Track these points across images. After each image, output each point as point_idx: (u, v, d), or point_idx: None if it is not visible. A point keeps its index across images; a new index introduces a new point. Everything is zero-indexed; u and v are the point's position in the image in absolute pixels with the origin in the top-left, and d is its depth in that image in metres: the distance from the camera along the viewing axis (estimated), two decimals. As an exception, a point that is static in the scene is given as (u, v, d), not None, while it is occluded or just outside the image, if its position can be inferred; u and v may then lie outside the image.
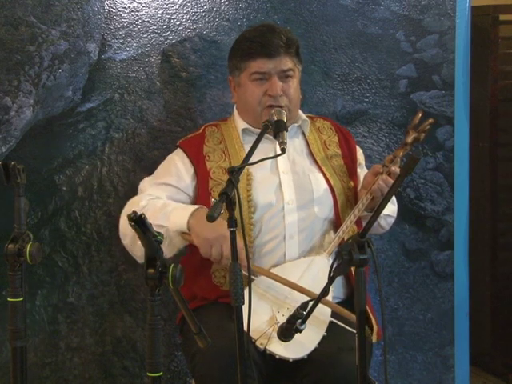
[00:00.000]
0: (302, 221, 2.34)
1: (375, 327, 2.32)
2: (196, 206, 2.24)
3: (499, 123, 3.73)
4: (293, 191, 2.35)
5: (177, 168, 2.40)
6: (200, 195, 2.35)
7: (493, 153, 3.73)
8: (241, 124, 2.43)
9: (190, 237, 2.19)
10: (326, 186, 2.38)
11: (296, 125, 2.44)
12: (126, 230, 2.30)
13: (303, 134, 2.47)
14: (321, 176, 2.40)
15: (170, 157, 2.47)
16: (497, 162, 3.75)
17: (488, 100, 3.68)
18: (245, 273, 1.92)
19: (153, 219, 2.17)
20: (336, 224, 2.37)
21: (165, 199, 2.33)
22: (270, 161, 2.37)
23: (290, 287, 2.20)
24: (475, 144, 3.35)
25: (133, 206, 2.30)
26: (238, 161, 2.31)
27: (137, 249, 2.26)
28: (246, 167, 2.32)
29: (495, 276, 3.78)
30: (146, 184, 2.42)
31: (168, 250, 2.21)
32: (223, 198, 1.81)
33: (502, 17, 3.65)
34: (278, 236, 2.32)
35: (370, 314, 2.32)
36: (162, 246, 2.13)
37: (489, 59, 3.64)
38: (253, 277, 2.06)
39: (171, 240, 2.22)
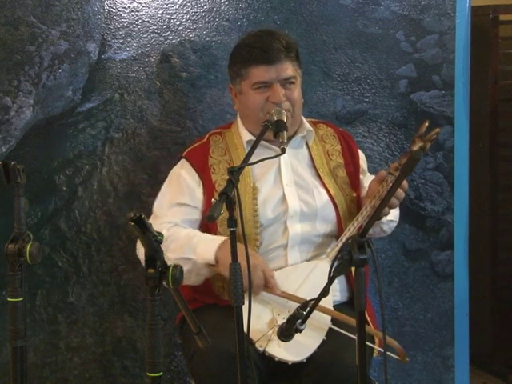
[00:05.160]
0: (305, 234, 2.33)
1: (377, 340, 2.32)
2: (222, 238, 2.23)
3: (499, 123, 3.72)
4: (297, 203, 2.34)
5: (187, 185, 2.36)
6: (206, 208, 2.32)
7: (493, 153, 3.73)
8: (245, 135, 2.40)
9: (218, 268, 2.19)
10: (329, 201, 2.37)
11: (301, 135, 2.42)
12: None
13: (307, 144, 2.45)
14: (323, 190, 2.39)
15: (176, 172, 2.41)
16: (497, 162, 3.74)
17: (488, 100, 3.68)
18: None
19: (178, 252, 2.22)
20: (338, 237, 2.36)
21: (183, 225, 2.32)
22: (273, 173, 2.37)
23: (293, 301, 2.20)
24: (475, 144, 3.35)
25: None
26: (243, 173, 2.27)
27: None
28: (252, 182, 2.34)
29: (495, 276, 3.78)
30: (159, 208, 2.38)
31: (196, 280, 2.26)
32: (223, 198, 1.81)
33: (502, 17, 3.65)
34: (280, 246, 2.33)
35: (372, 327, 2.32)
36: (189, 275, 2.22)
37: (489, 59, 3.64)
38: None
39: (199, 271, 2.23)
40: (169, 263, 2.17)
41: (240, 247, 1.91)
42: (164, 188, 2.42)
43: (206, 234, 2.30)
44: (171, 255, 2.22)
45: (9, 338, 1.74)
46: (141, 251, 2.29)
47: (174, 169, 2.43)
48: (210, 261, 2.19)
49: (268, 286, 2.19)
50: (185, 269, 2.18)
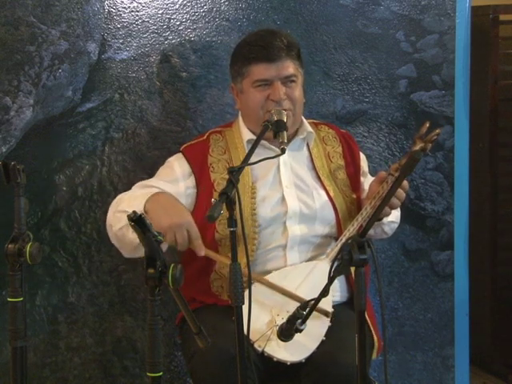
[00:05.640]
0: (304, 235, 2.33)
1: (376, 344, 2.32)
2: (157, 190, 2.23)
3: (499, 123, 3.72)
4: (296, 204, 2.34)
5: (174, 174, 2.37)
6: (202, 206, 2.31)
7: (493, 153, 3.73)
8: (246, 134, 2.40)
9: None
10: (328, 203, 2.37)
11: (301, 137, 2.42)
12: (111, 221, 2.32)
13: (307, 145, 2.44)
14: (323, 192, 2.38)
15: (170, 161, 2.43)
16: (497, 162, 3.75)
17: (488, 100, 3.68)
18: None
19: (118, 206, 2.26)
20: (338, 239, 2.35)
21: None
22: (272, 175, 2.36)
23: (287, 296, 2.19)
24: (475, 144, 3.35)
25: (116, 201, 2.33)
26: (243, 172, 2.28)
27: (128, 238, 2.21)
28: (251, 181, 2.34)
29: (495, 276, 3.78)
30: (135, 185, 2.40)
31: (133, 238, 2.15)
32: (223, 197, 1.81)
33: (502, 17, 3.65)
34: (279, 247, 2.33)
35: (372, 330, 2.32)
36: (126, 233, 2.18)
37: (489, 59, 3.64)
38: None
39: None
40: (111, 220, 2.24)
41: (163, 199, 2.03)
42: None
43: (148, 191, 2.28)
44: (119, 209, 2.24)
45: (9, 338, 1.74)
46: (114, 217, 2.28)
47: (170, 158, 2.45)
48: (139, 211, 2.16)
49: (192, 246, 2.13)
50: (121, 224, 2.19)
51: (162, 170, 2.43)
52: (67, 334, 2.69)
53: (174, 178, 2.36)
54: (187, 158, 2.39)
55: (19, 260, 1.71)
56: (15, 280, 1.73)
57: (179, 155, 2.42)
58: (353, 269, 1.73)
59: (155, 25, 2.69)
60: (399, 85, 2.98)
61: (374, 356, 2.33)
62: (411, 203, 3.03)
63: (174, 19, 2.71)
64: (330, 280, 1.83)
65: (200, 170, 2.36)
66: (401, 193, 2.24)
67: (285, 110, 2.24)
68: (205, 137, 2.44)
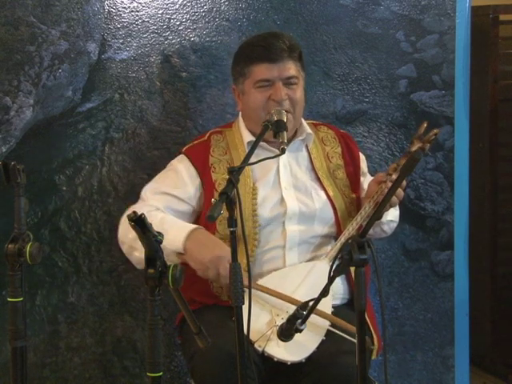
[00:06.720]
0: (303, 235, 2.34)
1: (376, 344, 2.32)
2: (193, 226, 2.21)
3: (499, 123, 3.72)
4: (296, 205, 2.34)
5: (181, 178, 2.36)
6: (205, 207, 2.32)
7: (493, 153, 3.73)
8: (246, 136, 2.40)
9: (186, 257, 2.16)
10: (327, 203, 2.37)
11: (300, 138, 2.42)
12: (124, 237, 2.29)
13: (306, 146, 2.45)
14: (322, 193, 2.39)
15: (174, 164, 2.42)
16: (497, 162, 3.75)
17: (488, 100, 3.68)
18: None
19: None
20: (337, 239, 2.35)
21: (164, 210, 2.31)
22: (272, 176, 2.37)
23: (285, 301, 2.19)
24: (475, 144, 3.35)
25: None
26: (243, 173, 2.28)
27: (134, 256, 2.26)
28: (252, 182, 2.34)
29: (495, 276, 3.78)
30: (147, 192, 2.38)
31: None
32: (223, 197, 1.80)
33: (502, 17, 3.65)
34: (278, 247, 2.33)
35: (372, 330, 2.32)
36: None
37: (489, 59, 3.64)
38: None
39: (167, 257, 2.16)
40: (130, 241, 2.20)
41: (201, 235, 2.02)
42: (157, 176, 2.43)
43: (177, 221, 2.28)
44: None
45: (9, 338, 1.74)
46: (125, 234, 2.27)
47: (173, 161, 2.44)
48: (179, 249, 2.16)
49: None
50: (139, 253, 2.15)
51: (169, 175, 2.41)
52: (67, 334, 2.69)
53: (184, 184, 2.36)
54: (191, 159, 2.38)
55: (19, 260, 1.71)
56: (15, 280, 1.72)
57: (182, 157, 2.41)
58: (353, 269, 1.73)
59: (155, 25, 2.69)
60: (399, 85, 2.98)
61: (374, 356, 2.33)
62: (411, 203, 3.03)
63: (174, 19, 2.71)
64: (330, 280, 1.83)
65: (203, 171, 2.36)
66: (399, 191, 2.25)
67: (285, 111, 2.23)
68: (206, 137, 2.44)
